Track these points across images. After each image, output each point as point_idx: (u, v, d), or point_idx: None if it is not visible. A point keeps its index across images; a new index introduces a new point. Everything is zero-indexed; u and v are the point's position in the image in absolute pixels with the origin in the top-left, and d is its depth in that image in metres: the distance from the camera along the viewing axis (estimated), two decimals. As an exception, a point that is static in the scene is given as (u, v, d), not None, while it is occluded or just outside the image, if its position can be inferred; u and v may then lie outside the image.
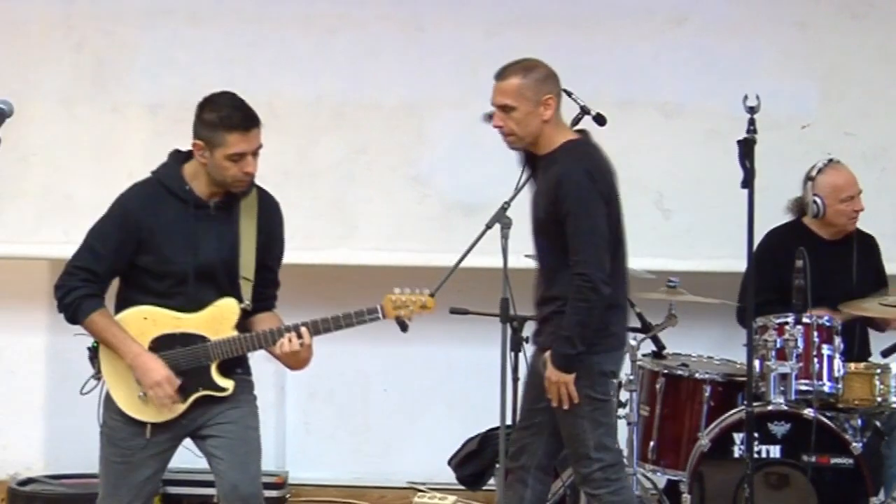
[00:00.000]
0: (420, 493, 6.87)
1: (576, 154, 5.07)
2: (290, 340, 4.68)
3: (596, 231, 4.98)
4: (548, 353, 5.06)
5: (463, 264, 5.52)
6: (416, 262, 6.62)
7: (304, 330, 4.70)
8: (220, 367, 4.73)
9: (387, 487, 7.17)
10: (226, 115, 4.62)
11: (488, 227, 5.26)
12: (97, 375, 4.76)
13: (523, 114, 5.04)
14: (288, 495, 7.03)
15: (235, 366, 4.79)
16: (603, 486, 5.11)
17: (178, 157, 4.80)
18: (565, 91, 5.62)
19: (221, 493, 4.73)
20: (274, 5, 7.09)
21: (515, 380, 5.57)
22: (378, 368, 7.14)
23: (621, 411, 5.90)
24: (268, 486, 6.67)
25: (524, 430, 5.32)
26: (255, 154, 4.68)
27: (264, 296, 4.86)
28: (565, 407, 5.04)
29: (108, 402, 4.77)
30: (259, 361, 4.80)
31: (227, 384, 4.73)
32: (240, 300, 4.75)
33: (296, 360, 4.76)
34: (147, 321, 4.71)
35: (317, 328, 4.72)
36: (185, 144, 4.81)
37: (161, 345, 4.70)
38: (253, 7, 7.10)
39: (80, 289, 4.68)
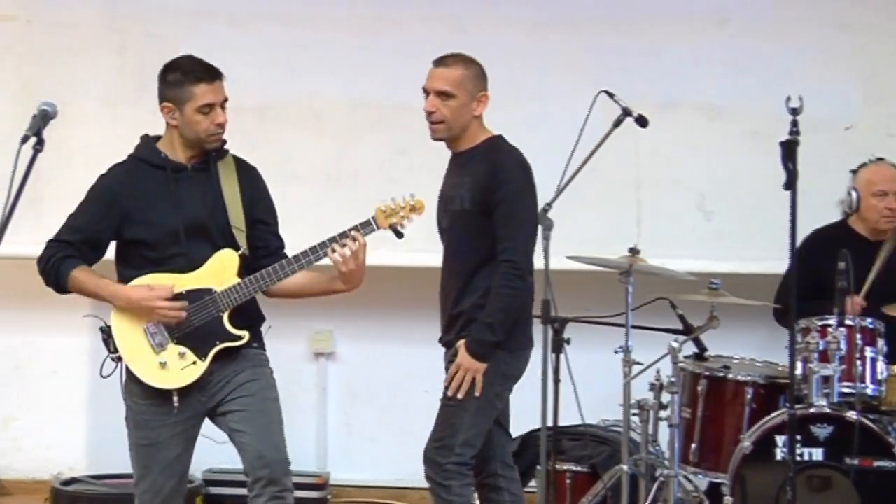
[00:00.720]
0: (461, 495, 6.86)
1: (506, 148, 5.14)
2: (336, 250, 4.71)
3: (527, 222, 5.03)
4: (461, 342, 5.02)
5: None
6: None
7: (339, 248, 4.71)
8: (234, 324, 4.75)
9: (428, 489, 7.17)
10: (189, 70, 4.76)
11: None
12: (115, 356, 4.78)
13: (459, 104, 5.08)
14: (329, 496, 7.05)
15: (252, 339, 4.80)
16: (455, 478, 5.08)
17: (151, 138, 4.92)
18: (607, 93, 5.62)
19: (248, 466, 4.73)
20: (315, 7, 7.12)
21: (556, 381, 5.55)
22: (419, 370, 7.12)
23: (662, 413, 5.89)
24: (309, 486, 6.75)
25: None
26: (222, 106, 4.78)
27: (269, 250, 4.88)
28: (460, 396, 5.00)
29: (129, 387, 4.81)
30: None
31: (242, 333, 4.76)
32: (236, 249, 4.77)
33: (348, 278, 4.77)
34: None
35: (308, 257, 4.71)
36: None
37: None
38: (295, 9, 7.13)
39: (56, 254, 4.77)
